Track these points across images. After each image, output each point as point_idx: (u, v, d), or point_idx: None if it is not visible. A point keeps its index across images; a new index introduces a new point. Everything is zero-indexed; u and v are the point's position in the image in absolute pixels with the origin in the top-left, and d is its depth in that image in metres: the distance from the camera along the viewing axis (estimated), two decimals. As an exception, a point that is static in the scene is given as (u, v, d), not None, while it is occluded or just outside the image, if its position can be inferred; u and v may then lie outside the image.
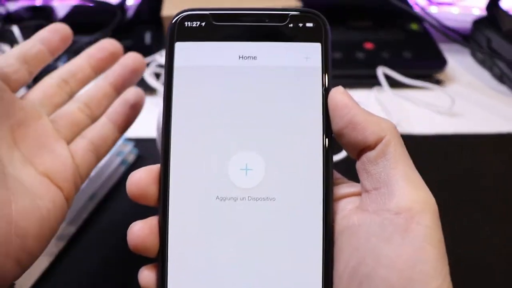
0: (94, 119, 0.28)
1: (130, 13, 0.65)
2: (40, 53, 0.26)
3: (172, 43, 0.21)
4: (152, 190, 0.20)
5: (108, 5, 0.64)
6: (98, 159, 0.28)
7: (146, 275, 0.20)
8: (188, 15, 0.21)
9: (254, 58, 0.21)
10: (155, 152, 0.36)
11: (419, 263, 0.17)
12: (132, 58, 0.30)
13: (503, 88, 0.53)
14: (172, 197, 0.20)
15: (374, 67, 0.51)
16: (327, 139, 0.20)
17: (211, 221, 0.20)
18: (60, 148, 0.25)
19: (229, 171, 0.20)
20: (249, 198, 0.20)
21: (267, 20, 0.21)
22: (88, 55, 0.29)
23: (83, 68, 0.28)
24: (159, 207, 0.20)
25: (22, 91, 0.27)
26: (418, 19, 0.58)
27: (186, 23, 0.21)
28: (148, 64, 0.51)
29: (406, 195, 0.18)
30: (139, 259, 0.34)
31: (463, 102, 0.50)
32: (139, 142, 0.43)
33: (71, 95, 0.28)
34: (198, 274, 0.19)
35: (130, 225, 0.20)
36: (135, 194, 0.20)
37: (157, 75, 0.51)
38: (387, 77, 0.50)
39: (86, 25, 0.61)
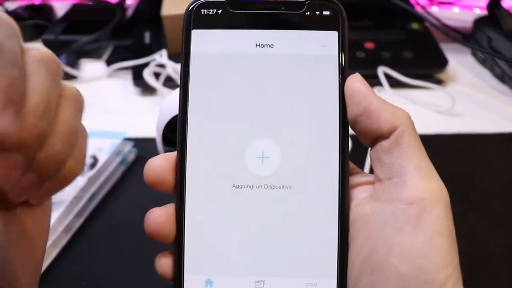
0: None
1: (129, 12, 0.65)
2: None
3: (189, 31, 0.21)
4: (169, 177, 0.20)
5: (108, 4, 0.63)
6: None
7: (164, 262, 0.20)
8: (204, 2, 0.21)
9: (271, 46, 0.21)
10: (155, 151, 0.36)
11: (429, 253, 0.17)
12: None
13: (504, 87, 0.53)
14: (189, 184, 0.20)
15: (374, 67, 0.51)
16: (343, 128, 0.20)
17: (227, 209, 0.20)
18: None
19: (246, 159, 0.20)
20: (266, 186, 0.20)
21: (283, 8, 0.21)
22: None
23: None
24: (176, 195, 0.20)
25: None
26: (419, 18, 0.57)
27: (202, 10, 0.21)
28: (148, 64, 0.51)
29: (418, 185, 0.18)
30: (139, 258, 0.34)
31: (464, 102, 0.50)
32: (138, 142, 0.43)
33: None
34: (215, 260, 0.20)
35: (148, 212, 0.20)
36: (152, 180, 0.20)
37: (157, 75, 0.51)
38: (388, 77, 0.50)
39: (85, 24, 0.61)
